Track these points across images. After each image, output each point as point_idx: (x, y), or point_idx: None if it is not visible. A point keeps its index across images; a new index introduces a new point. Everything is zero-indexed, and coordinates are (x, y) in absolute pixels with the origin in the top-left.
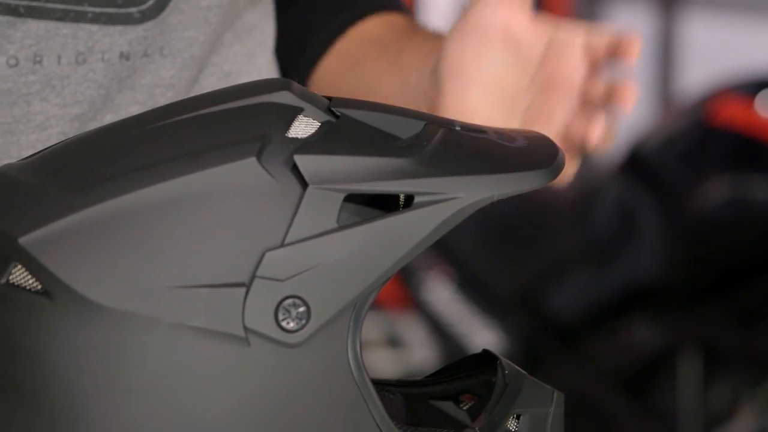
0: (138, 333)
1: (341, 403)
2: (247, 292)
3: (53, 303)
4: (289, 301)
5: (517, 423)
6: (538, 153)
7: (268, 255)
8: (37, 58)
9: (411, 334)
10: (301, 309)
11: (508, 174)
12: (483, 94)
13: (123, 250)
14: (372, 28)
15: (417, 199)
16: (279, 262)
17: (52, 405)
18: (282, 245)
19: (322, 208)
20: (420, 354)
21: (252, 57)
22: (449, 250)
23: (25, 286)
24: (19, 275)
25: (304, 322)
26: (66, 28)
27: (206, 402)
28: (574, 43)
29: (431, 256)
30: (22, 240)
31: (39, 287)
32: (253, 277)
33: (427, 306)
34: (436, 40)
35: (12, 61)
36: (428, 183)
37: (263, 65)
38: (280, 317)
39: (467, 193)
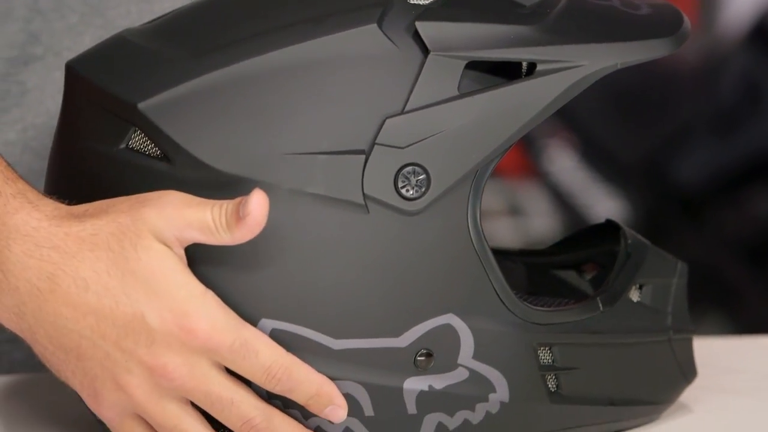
0: None
1: (460, 271)
2: (366, 160)
3: (172, 167)
4: (409, 168)
5: (640, 293)
6: (662, 21)
7: (389, 122)
8: None
9: (532, 202)
10: (421, 176)
11: (632, 42)
12: None
13: (242, 116)
14: None
15: (539, 67)
16: (399, 130)
17: None
18: (402, 112)
19: (443, 75)
20: (541, 223)
21: None
22: (572, 118)
23: (145, 151)
24: (139, 140)
25: (423, 189)
26: None
27: (324, 268)
28: None
29: (553, 124)
30: (142, 105)
31: (158, 152)
32: (373, 144)
33: (549, 174)
34: None
35: None
36: (551, 51)
37: None
38: (400, 185)
39: (590, 61)
